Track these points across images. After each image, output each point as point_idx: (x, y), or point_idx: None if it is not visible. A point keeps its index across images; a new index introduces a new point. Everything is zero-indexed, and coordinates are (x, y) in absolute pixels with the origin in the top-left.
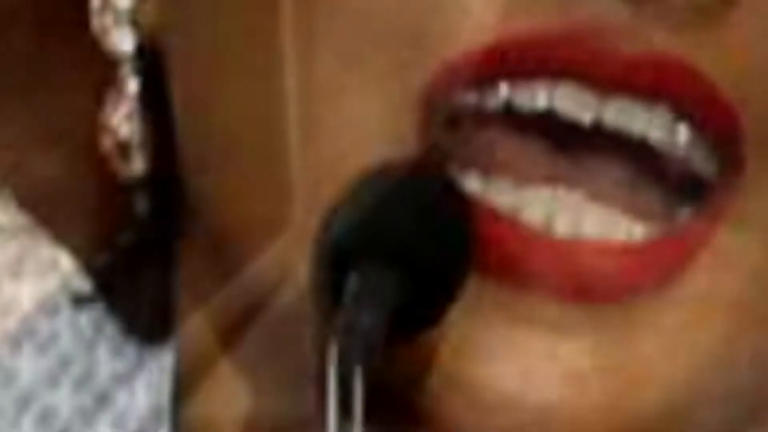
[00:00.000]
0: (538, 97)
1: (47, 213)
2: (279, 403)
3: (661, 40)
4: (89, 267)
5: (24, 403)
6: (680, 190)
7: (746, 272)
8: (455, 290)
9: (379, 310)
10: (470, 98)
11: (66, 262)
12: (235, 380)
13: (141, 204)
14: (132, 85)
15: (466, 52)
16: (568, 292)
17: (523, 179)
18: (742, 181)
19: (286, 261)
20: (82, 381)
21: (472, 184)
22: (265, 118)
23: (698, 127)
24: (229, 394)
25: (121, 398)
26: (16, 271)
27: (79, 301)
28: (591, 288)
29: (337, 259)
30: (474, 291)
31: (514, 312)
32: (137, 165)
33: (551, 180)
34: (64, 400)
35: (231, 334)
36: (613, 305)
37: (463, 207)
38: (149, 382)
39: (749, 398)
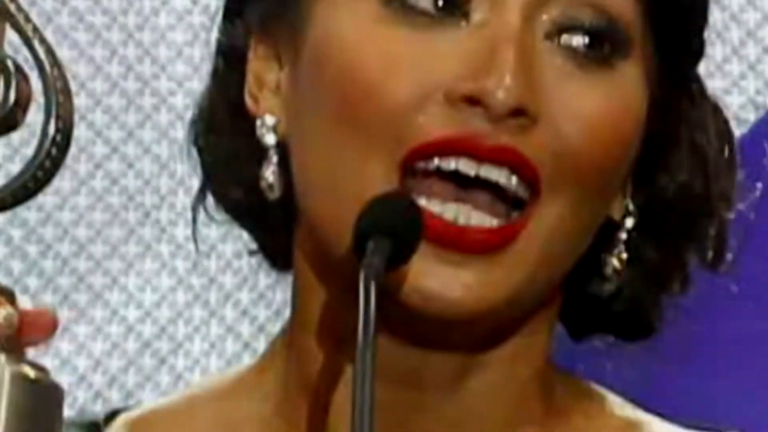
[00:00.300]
0: (451, 164)
1: (235, 215)
2: (338, 300)
3: (505, 139)
4: (254, 236)
5: (226, 299)
6: (513, 204)
7: (543, 241)
8: (414, 248)
9: (382, 257)
10: (421, 164)
11: (245, 236)
12: (319, 288)
13: (278, 210)
14: (274, 158)
15: (419, 145)
16: (464, 249)
17: (444, 200)
18: (539, 201)
19: (341, 235)
20: (251, 286)
21: (422, 202)
22: (329, 174)
23: (520, 177)
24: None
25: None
26: (223, 239)
27: (252, 252)
28: (474, 247)
29: (363, 234)
30: (422, 249)
31: (440, 258)
32: (276, 194)
33: (457, 200)
34: (245, 295)
35: (316, 267)
36: (484, 255)
37: (418, 212)
38: (283, 289)
39: (544, 293)
